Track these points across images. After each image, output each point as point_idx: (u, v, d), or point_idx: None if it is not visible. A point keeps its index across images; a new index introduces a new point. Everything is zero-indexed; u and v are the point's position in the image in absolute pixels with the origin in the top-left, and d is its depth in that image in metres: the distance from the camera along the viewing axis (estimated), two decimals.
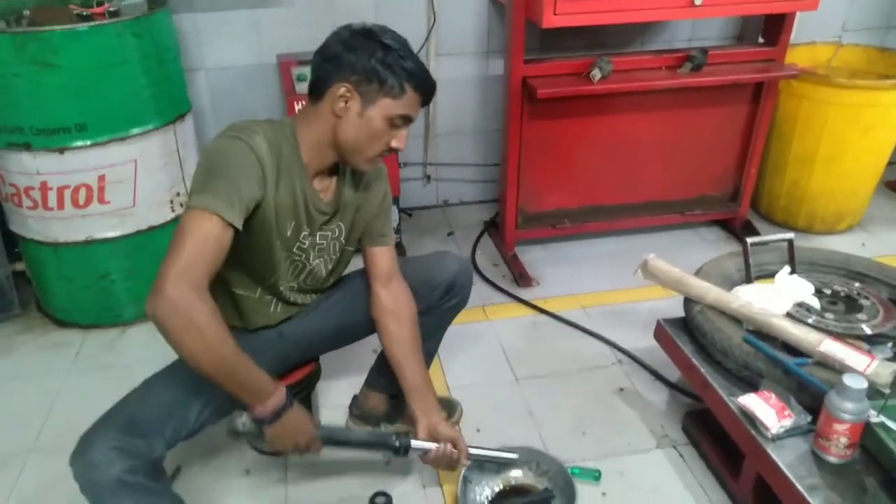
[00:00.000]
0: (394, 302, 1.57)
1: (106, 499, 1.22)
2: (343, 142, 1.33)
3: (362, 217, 1.53)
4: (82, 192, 2.12)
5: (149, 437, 1.28)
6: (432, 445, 1.51)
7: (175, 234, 1.17)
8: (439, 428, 1.53)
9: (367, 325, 1.62)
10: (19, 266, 2.45)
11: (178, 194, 2.34)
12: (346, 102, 1.29)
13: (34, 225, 2.21)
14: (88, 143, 2.06)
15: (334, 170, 1.44)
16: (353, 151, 1.34)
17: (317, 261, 1.51)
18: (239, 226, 1.21)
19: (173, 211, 2.34)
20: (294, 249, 1.43)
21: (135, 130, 2.13)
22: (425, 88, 1.33)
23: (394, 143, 1.35)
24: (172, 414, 1.34)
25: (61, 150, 2.05)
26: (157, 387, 1.38)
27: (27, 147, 2.04)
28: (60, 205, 2.14)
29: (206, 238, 1.16)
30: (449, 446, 1.52)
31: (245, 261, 1.39)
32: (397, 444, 1.48)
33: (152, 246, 2.32)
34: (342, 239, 1.53)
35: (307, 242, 1.45)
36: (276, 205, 1.32)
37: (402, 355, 1.57)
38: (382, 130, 1.32)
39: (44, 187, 2.10)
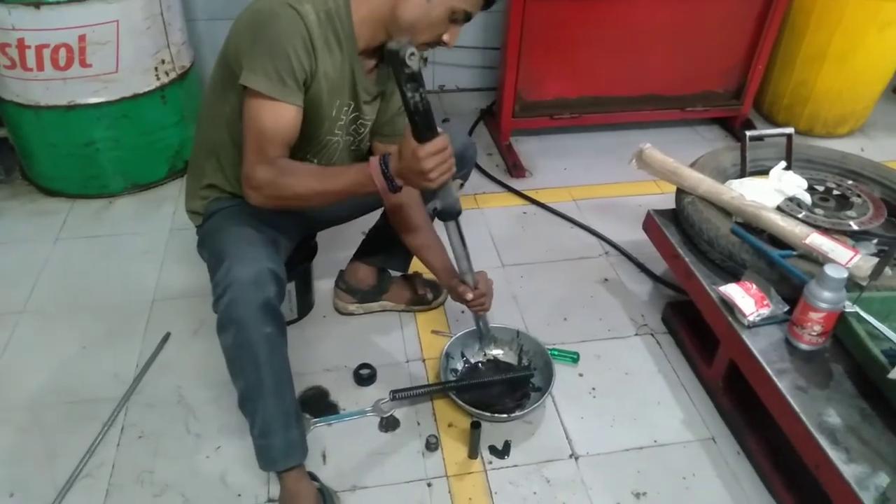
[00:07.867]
0: (406, 194, 1.55)
1: (251, 322, 1.21)
2: (401, 21, 1.29)
3: (387, 109, 1.50)
4: (62, 53, 2.03)
5: (281, 262, 1.31)
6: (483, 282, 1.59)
7: (244, 123, 1.24)
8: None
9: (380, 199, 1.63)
10: (2, 132, 2.38)
11: (163, 62, 2.25)
12: None
13: (13, 86, 2.13)
14: None
15: (377, 52, 1.39)
16: (406, 33, 1.31)
17: (344, 145, 1.48)
18: (300, 102, 1.24)
19: (158, 79, 2.25)
20: (336, 129, 1.42)
21: None
22: None
23: (445, 37, 1.32)
24: (277, 240, 1.39)
25: (37, 5, 1.94)
26: (244, 224, 1.37)
27: None
28: (40, 66, 2.05)
29: (275, 121, 1.22)
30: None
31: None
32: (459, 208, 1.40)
33: (137, 115, 2.26)
34: (369, 128, 1.51)
35: (345, 119, 1.42)
36: (325, 79, 1.30)
37: (423, 239, 1.61)
38: (441, 20, 1.29)
39: (21, 45, 2.01)
